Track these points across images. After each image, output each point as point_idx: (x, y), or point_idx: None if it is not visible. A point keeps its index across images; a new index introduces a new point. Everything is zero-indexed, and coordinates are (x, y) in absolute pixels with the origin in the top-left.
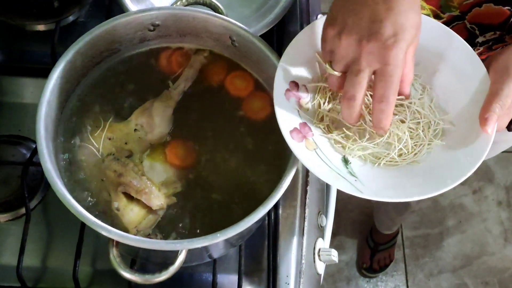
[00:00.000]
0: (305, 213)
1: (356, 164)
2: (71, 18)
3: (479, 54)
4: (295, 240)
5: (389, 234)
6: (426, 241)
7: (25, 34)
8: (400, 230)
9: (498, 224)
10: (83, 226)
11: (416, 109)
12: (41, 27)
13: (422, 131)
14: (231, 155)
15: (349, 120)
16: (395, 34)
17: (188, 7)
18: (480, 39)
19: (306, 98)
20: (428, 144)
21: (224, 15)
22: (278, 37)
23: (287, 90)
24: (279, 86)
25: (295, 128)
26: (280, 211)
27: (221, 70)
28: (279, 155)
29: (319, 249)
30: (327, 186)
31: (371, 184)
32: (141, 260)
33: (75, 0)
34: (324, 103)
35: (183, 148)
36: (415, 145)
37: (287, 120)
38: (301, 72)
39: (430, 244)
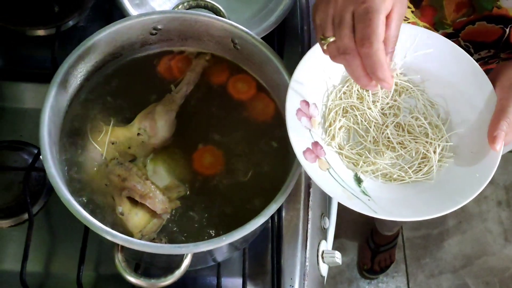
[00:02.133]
0: (308, 215)
1: (369, 183)
2: (71, 23)
3: None
4: (299, 243)
5: (390, 235)
6: (426, 242)
7: (26, 39)
8: (400, 231)
9: (498, 224)
10: (86, 231)
11: (422, 125)
12: (41, 32)
13: (430, 146)
14: (234, 157)
15: (357, 79)
16: None
17: (189, 11)
18: (475, 57)
19: (317, 117)
20: (438, 161)
21: (226, 18)
22: (279, 40)
23: (299, 109)
24: (291, 106)
25: (308, 148)
26: (284, 214)
27: (223, 73)
28: (283, 158)
29: (323, 251)
30: None
31: (384, 203)
32: (145, 264)
33: (76, 5)
34: (335, 121)
35: (210, 155)
36: (422, 163)
37: (299, 140)
38: (311, 90)
39: (431, 244)
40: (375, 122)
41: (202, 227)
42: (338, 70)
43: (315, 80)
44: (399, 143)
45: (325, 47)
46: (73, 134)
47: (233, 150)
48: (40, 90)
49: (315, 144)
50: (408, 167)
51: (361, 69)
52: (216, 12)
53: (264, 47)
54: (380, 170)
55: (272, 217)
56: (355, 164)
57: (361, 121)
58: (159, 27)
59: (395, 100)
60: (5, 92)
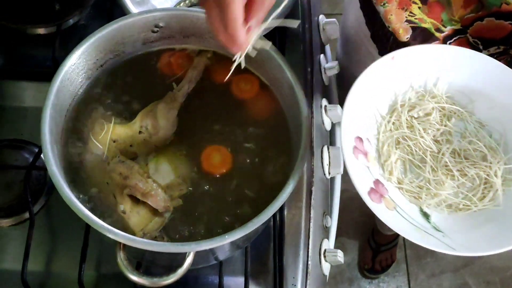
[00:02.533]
0: (310, 214)
1: (436, 217)
2: (71, 21)
3: None
4: (301, 241)
5: (391, 235)
6: None
7: (26, 37)
8: None
9: None
10: (87, 230)
11: (478, 149)
12: (41, 31)
13: (490, 170)
14: (237, 155)
15: (214, 30)
16: None
17: (191, 8)
18: (484, 53)
19: (372, 152)
20: (502, 185)
21: None
22: (280, 38)
23: (354, 147)
24: (347, 145)
25: (372, 188)
26: (286, 212)
27: (225, 71)
28: (286, 155)
29: (325, 250)
30: (331, 187)
31: (459, 237)
32: (146, 263)
33: (76, 3)
34: (390, 155)
35: (218, 155)
36: (485, 189)
37: (362, 180)
38: (362, 125)
39: None
40: (430, 151)
41: (204, 225)
42: (384, 100)
43: (364, 113)
44: (459, 170)
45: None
46: (75, 132)
47: (235, 148)
48: (41, 89)
49: (377, 182)
50: (472, 195)
51: (218, 21)
52: None
53: None
54: (444, 201)
55: (274, 215)
56: (417, 197)
57: (416, 151)
58: (161, 24)
59: (445, 125)
60: (6, 91)
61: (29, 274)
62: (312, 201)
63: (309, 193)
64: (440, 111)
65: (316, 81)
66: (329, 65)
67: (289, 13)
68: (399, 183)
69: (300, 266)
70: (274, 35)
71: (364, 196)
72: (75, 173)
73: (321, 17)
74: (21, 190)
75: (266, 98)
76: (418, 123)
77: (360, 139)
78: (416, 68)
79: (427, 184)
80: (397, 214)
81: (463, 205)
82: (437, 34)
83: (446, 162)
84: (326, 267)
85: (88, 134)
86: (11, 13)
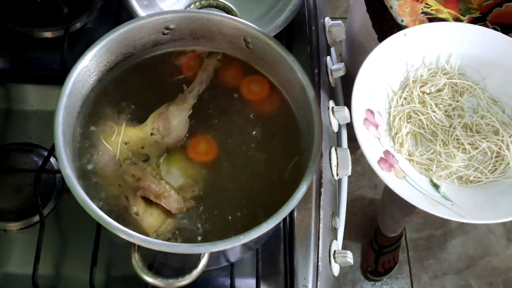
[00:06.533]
0: (320, 215)
1: (446, 188)
2: (79, 25)
3: None
4: (311, 242)
5: (393, 237)
6: (430, 243)
7: (34, 41)
8: (403, 233)
9: (500, 225)
10: (98, 232)
11: (490, 123)
12: (49, 34)
13: (502, 144)
14: (249, 157)
15: None
16: None
17: (202, 10)
18: None
19: (383, 125)
20: None
21: (238, 17)
22: (287, 40)
23: (365, 119)
24: (358, 116)
25: (381, 158)
26: (296, 214)
27: (236, 72)
28: (298, 157)
29: (334, 251)
30: (339, 188)
31: (468, 206)
32: (158, 265)
33: (84, 7)
34: (401, 128)
35: (204, 143)
36: (496, 162)
37: (371, 150)
38: (373, 99)
39: (434, 245)
40: (441, 125)
41: (217, 227)
42: (396, 76)
43: (375, 88)
44: (470, 143)
45: None
46: (86, 134)
47: (246, 149)
48: (49, 92)
49: (387, 152)
50: (483, 168)
51: None
52: (228, 11)
53: (277, 46)
54: (455, 173)
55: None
56: (428, 169)
57: (427, 125)
58: (171, 26)
59: (457, 101)
60: (14, 94)
61: (40, 277)
62: (321, 202)
63: (319, 194)
64: (452, 87)
65: (323, 82)
66: (335, 67)
67: (296, 15)
68: (409, 155)
69: (311, 267)
70: (281, 37)
71: (374, 165)
72: (87, 175)
73: (327, 19)
74: (30, 193)
75: (276, 100)
76: (430, 99)
77: (371, 112)
78: (428, 45)
79: (438, 156)
80: (406, 183)
81: (474, 177)
82: None
83: (458, 136)
84: (335, 268)
85: (99, 136)
86: (18, 17)
